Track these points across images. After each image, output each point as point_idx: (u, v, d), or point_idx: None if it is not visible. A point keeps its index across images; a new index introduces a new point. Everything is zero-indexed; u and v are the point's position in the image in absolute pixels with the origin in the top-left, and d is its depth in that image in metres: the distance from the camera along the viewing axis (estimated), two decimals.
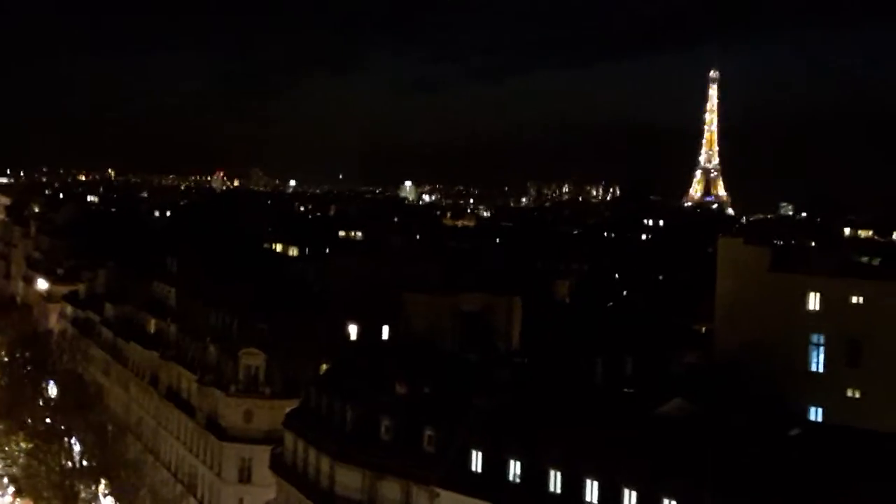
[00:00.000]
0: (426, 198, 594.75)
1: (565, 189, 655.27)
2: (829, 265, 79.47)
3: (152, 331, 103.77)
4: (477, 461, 56.79)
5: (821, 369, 75.47)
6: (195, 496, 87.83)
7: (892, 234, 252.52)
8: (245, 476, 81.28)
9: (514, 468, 55.08)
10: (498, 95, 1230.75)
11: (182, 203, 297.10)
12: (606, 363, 75.47)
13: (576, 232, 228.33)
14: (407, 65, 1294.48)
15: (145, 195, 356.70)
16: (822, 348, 75.52)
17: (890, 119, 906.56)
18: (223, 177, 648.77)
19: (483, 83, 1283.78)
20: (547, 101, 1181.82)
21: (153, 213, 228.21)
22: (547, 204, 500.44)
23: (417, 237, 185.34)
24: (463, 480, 56.73)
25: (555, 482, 53.24)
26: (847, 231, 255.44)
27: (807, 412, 73.11)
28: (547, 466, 53.47)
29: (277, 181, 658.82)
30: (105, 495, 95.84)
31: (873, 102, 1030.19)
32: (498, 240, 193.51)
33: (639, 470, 50.21)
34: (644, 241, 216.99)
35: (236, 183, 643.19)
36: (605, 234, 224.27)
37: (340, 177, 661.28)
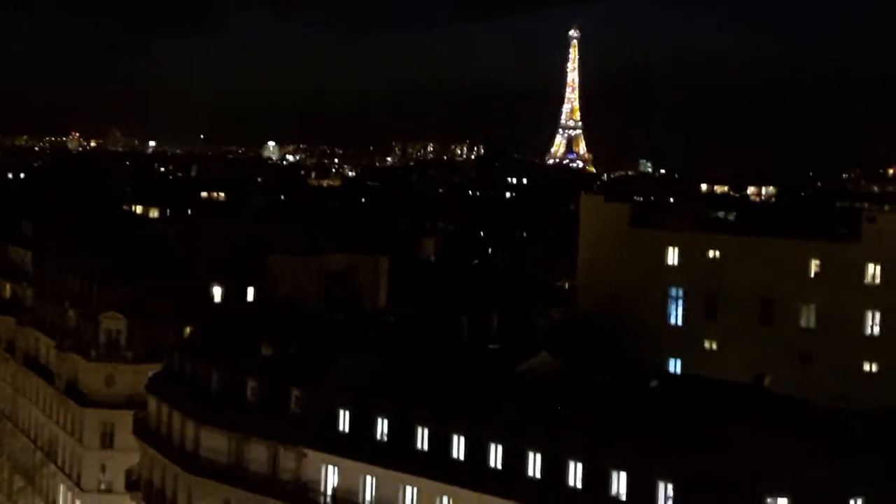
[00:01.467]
0: (290, 158, 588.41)
1: (430, 148, 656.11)
2: (686, 221, 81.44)
3: (8, 296, 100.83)
4: (344, 421, 56.78)
5: (679, 322, 77.54)
6: (56, 463, 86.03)
7: (746, 189, 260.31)
8: (107, 441, 79.93)
9: (382, 426, 55.24)
10: (358, 55, 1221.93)
11: (36, 164, 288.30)
12: (472, 320, 76.14)
13: (441, 191, 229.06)
14: (269, 25, 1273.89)
15: None
16: (680, 302, 77.58)
17: (743, 79, 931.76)
18: (79, 137, 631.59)
19: (344, 43, 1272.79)
20: (409, 61, 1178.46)
21: (6, 175, 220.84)
22: (412, 163, 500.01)
23: (281, 198, 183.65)
24: (330, 440, 56.71)
25: (422, 439, 53.58)
26: (704, 187, 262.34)
27: (666, 364, 75.07)
28: (414, 424, 53.76)
29: (136, 142, 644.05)
30: None
31: (731, 65, 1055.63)
32: (363, 199, 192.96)
33: (505, 425, 50.85)
34: (508, 199, 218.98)
35: (93, 144, 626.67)
36: (470, 192, 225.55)
37: (202, 137, 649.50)
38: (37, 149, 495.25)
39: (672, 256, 77.85)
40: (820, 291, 71.92)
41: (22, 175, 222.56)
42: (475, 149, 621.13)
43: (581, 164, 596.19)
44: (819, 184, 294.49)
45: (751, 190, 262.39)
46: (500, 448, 50.72)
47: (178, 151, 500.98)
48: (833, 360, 69.87)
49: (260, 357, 61.83)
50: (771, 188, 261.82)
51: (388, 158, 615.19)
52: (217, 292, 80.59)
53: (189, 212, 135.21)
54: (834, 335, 70.69)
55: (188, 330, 73.63)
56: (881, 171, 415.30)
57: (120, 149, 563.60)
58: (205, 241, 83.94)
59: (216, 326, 69.53)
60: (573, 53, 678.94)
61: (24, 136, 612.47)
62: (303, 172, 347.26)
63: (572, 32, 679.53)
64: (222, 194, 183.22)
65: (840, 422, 47.58)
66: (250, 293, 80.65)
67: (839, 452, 44.73)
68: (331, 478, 56.83)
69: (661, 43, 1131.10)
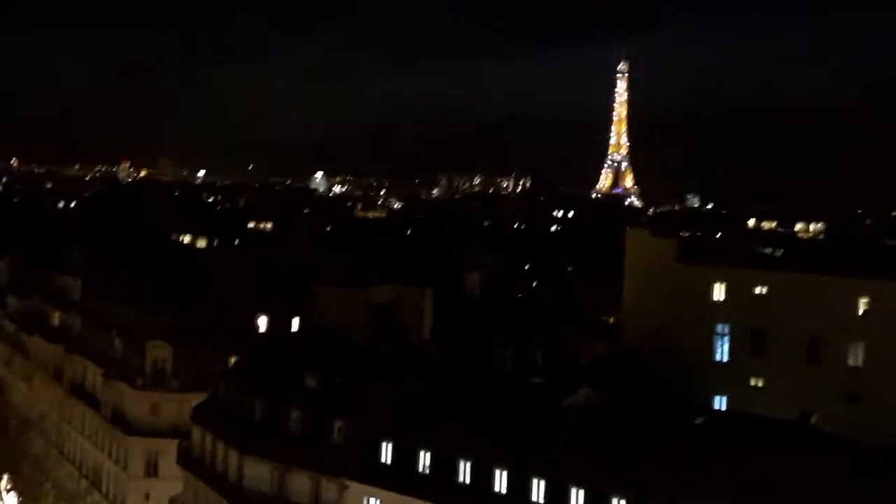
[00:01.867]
0: (337, 189, 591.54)
1: (476, 181, 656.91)
2: (733, 256, 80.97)
3: (56, 324, 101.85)
4: (387, 452, 56.78)
5: (725, 358, 76.91)
6: (100, 491, 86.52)
7: (794, 226, 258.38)
8: (151, 470, 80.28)
9: (424, 459, 55.18)
10: (406, 86, 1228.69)
11: (87, 194, 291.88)
12: (516, 354, 76.00)
13: (486, 223, 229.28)
14: (314, 55, 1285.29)
15: (49, 186, 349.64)
16: (726, 338, 76.94)
17: (788, 116, 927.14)
18: (129, 167, 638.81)
19: (391, 74, 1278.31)
20: (456, 93, 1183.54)
21: (57, 204, 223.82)
22: (458, 196, 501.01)
23: (328, 229, 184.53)
24: (373, 472, 56.72)
25: (464, 472, 53.46)
26: (751, 223, 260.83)
27: (711, 401, 74.46)
28: (457, 457, 53.66)
29: (186, 172, 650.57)
30: (7, 491, 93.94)
31: (780, 97, 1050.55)
32: (409, 231, 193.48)
33: (547, 459, 50.67)
34: (553, 232, 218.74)
35: (143, 173, 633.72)
36: (516, 225, 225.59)
37: (250, 168, 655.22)
38: (88, 178, 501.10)
39: (718, 292, 77.34)
40: (868, 330, 71.13)
41: (73, 204, 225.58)
42: (521, 182, 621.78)
43: (628, 198, 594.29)
44: (868, 221, 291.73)
45: (799, 226, 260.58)
46: (542, 483, 50.49)
47: (226, 182, 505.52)
48: (882, 399, 68.97)
49: (304, 387, 62.01)
50: (819, 224, 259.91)
51: (434, 191, 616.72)
52: (262, 322, 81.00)
53: (236, 242, 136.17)
54: (883, 374, 69.83)
55: (233, 359, 73.99)
56: None
57: (170, 178, 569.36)
58: (251, 271, 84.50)
59: (261, 356, 69.83)
60: (621, 86, 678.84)
61: (76, 166, 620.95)
62: (349, 204, 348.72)
63: (621, 66, 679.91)
64: (269, 225, 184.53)
65: (887, 460, 46.96)
66: (295, 323, 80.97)
67: (885, 490, 44.16)
68: None
69: (708, 73, 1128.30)
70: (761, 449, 47.48)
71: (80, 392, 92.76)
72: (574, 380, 61.51)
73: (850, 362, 71.83)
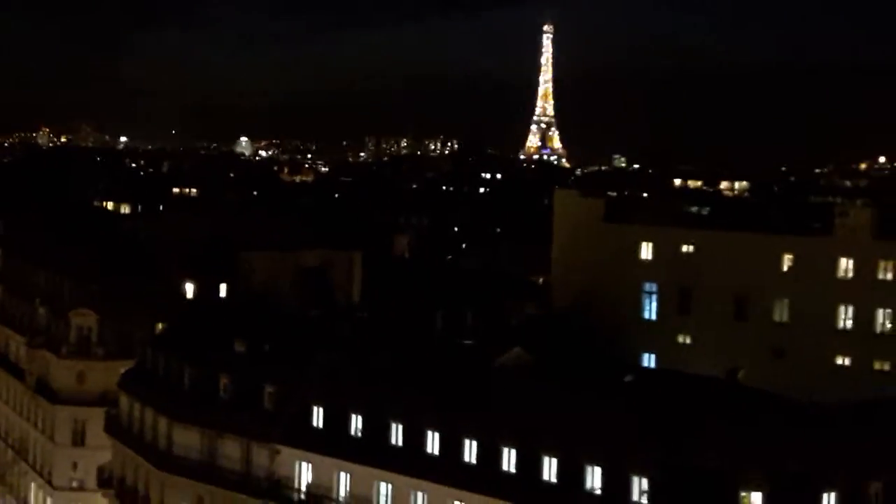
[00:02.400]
0: (263, 153, 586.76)
1: (403, 143, 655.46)
2: (660, 215, 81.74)
3: None
4: (318, 417, 56.71)
5: (653, 317, 77.83)
6: (27, 461, 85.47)
7: (719, 184, 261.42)
8: (78, 439, 79.44)
9: (356, 423, 55.18)
10: (331, 51, 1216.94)
11: (5, 160, 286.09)
12: (446, 316, 76.21)
13: (415, 186, 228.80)
14: (240, 20, 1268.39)
15: None
16: (654, 296, 77.84)
17: (718, 73, 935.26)
18: (49, 133, 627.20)
19: (316, 39, 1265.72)
20: (381, 56, 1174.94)
21: None
22: (385, 158, 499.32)
23: (254, 193, 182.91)
24: (304, 437, 56.64)
25: (396, 435, 53.56)
26: (678, 182, 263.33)
27: (640, 358, 75.35)
28: (388, 419, 53.72)
29: (107, 137, 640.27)
30: None
31: (706, 59, 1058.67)
32: (337, 195, 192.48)
33: (479, 420, 50.92)
34: (482, 194, 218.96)
35: (63, 139, 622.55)
36: (444, 188, 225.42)
37: (174, 132, 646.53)
38: (6, 144, 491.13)
39: (646, 251, 78.10)
40: (793, 286, 72.29)
41: None
42: (449, 144, 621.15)
43: (555, 159, 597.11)
44: (792, 179, 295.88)
45: (724, 185, 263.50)
46: (474, 444, 50.76)
47: (149, 147, 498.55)
48: (806, 354, 70.28)
49: (233, 353, 61.66)
50: (744, 183, 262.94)
51: (362, 154, 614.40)
52: (189, 289, 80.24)
53: (161, 208, 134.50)
54: (807, 329, 71.09)
55: (160, 327, 73.32)
56: (853, 166, 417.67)
57: (90, 144, 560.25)
58: (177, 237, 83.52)
59: (188, 323, 69.34)
60: (547, 47, 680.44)
61: None
62: (276, 168, 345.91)
63: (546, 27, 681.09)
64: (194, 190, 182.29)
65: (813, 415, 47.88)
66: (223, 289, 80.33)
67: (812, 446, 45.03)
68: (304, 474, 56.75)
69: (635, 36, 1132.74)
70: (690, 406, 48.08)
71: (3, 362, 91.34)
72: (505, 341, 61.86)
73: (776, 318, 73.01)
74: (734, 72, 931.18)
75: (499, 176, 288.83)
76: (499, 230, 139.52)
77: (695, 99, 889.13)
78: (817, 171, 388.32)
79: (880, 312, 69.63)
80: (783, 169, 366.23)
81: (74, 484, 79.81)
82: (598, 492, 46.87)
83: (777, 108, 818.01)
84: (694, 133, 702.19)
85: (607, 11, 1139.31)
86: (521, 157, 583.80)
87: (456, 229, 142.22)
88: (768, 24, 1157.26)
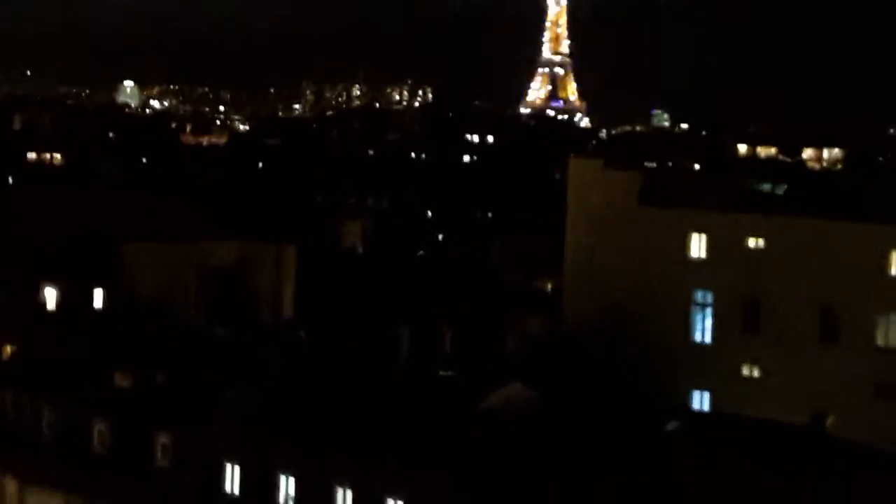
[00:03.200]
0: (156, 104, 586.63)
1: (356, 92, 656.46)
2: (718, 196, 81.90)
3: None
4: (233, 479, 56.75)
5: (707, 339, 77.96)
6: None
7: (801, 153, 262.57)
8: None
9: (286, 487, 55.25)
10: None
11: None
12: (416, 335, 76.17)
13: (371, 153, 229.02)
14: None
15: None
16: (709, 310, 77.97)
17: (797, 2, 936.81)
18: None
19: None
20: None
21: None
22: (330, 113, 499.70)
23: (144, 161, 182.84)
24: None
25: None
26: (743, 149, 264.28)
27: (689, 397, 75.53)
28: (331, 484, 53.78)
29: None
30: None
31: None
32: (261, 164, 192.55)
33: (460, 486, 50.97)
34: (467, 164, 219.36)
35: None
36: (413, 155, 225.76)
37: (27, 74, 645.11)
38: None
39: (698, 246, 78.28)
40: None
41: None
42: (420, 93, 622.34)
43: (570, 116, 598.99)
44: None
45: (808, 154, 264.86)
46: None
47: None
48: None
49: (112, 389, 61.60)
50: (836, 151, 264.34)
51: (297, 106, 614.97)
52: (50, 295, 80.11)
53: (10, 180, 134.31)
54: None
55: (8, 350, 73.20)
56: None
57: None
58: (33, 222, 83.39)
59: (49, 344, 69.15)
60: None
61: None
62: (174, 125, 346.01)
63: None
64: (58, 156, 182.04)
65: None
66: (98, 297, 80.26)
67: None
68: None
69: None
70: (758, 465, 48.28)
71: None
72: (498, 371, 61.93)
73: (880, 341, 73.25)
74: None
75: (490, 139, 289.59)
76: (490, 215, 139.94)
77: (766, 33, 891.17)
78: None
79: None
80: (892, 131, 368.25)
81: None
82: None
83: (880, 46, 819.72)
84: (766, 82, 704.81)
85: None
86: (523, 112, 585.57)
87: (430, 214, 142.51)
88: None
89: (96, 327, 72.55)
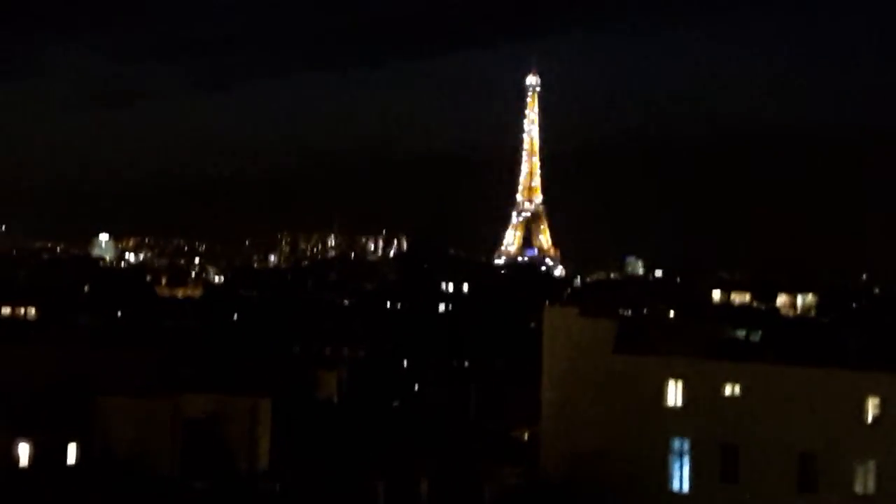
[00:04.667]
0: (130, 257, 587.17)
1: (331, 242, 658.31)
2: (695, 343, 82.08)
3: None
4: None
5: (686, 488, 77.63)
6: None
7: (775, 299, 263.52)
8: None
9: None
10: (226, 111, 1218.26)
11: None
12: (392, 487, 75.71)
13: (347, 302, 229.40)
14: (99, 68, 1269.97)
15: None
16: (686, 458, 77.71)
17: (770, 143, 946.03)
18: None
19: (202, 95, 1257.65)
20: (297, 119, 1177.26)
21: None
22: (305, 263, 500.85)
23: (118, 314, 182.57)
24: None
25: None
26: (717, 295, 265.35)
27: None
28: None
29: None
30: None
31: (754, 122, 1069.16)
32: (236, 315, 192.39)
33: None
34: (442, 313, 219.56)
35: None
36: (388, 304, 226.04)
37: (2, 228, 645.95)
38: None
39: (674, 394, 78.24)
40: (881, 442, 72.45)
41: None
42: (394, 242, 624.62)
43: (544, 264, 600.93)
44: (877, 290, 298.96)
45: (781, 300, 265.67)
46: None
47: None
48: None
49: None
50: (810, 296, 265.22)
51: (272, 256, 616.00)
52: (23, 451, 79.44)
53: None
54: None
55: None
56: None
57: None
58: (6, 377, 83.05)
59: (21, 500, 68.43)
60: (531, 108, 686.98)
61: None
62: (149, 278, 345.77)
63: (530, 79, 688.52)
64: (32, 310, 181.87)
65: None
66: (72, 452, 79.60)
67: None
68: None
69: (653, 93, 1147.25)
70: None
71: None
72: None
73: (858, 489, 72.99)
74: (792, 139, 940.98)
75: (465, 287, 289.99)
76: (467, 364, 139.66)
77: (739, 177, 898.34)
78: None
79: None
80: (863, 277, 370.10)
81: None
82: None
83: (852, 187, 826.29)
84: (738, 228, 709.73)
85: (615, 57, 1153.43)
86: (497, 261, 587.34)
87: (405, 363, 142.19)
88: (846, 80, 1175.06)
89: (70, 482, 71.88)
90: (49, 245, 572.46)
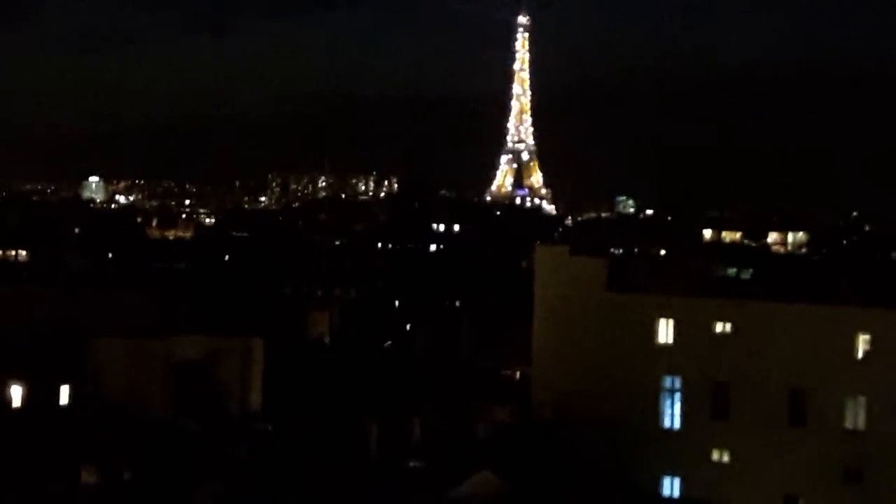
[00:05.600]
0: (121, 199, 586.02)
1: (321, 183, 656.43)
2: (685, 281, 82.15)
3: None
4: None
5: (677, 425, 77.92)
6: None
7: (766, 237, 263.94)
8: None
9: None
10: (217, 54, 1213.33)
11: None
12: (384, 427, 75.89)
13: (338, 243, 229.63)
14: (93, 13, 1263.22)
15: None
16: (677, 395, 77.99)
17: (762, 84, 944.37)
18: None
19: (194, 38, 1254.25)
20: (287, 58, 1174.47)
21: None
22: (296, 204, 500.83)
23: (109, 256, 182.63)
24: None
25: None
26: (708, 234, 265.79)
27: (659, 483, 75.35)
28: None
29: None
30: None
31: (745, 63, 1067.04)
32: (227, 257, 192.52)
33: None
34: (433, 253, 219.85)
35: None
36: (380, 245, 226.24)
37: None
38: None
39: (665, 332, 78.37)
40: (871, 378, 72.71)
41: None
42: (385, 183, 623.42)
43: (536, 203, 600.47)
44: (867, 228, 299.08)
45: (772, 237, 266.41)
46: None
47: None
48: (891, 474, 70.54)
49: (79, 485, 61.08)
50: (801, 234, 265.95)
51: (263, 198, 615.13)
52: (16, 393, 79.57)
53: None
54: (892, 440, 71.42)
55: None
56: None
57: None
58: None
59: (14, 441, 68.63)
60: (522, 47, 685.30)
61: None
62: (140, 220, 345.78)
63: (521, 18, 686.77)
64: (23, 253, 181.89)
65: None
66: (64, 394, 79.73)
67: None
68: None
69: (646, 33, 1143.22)
70: None
71: None
72: (467, 461, 61.68)
73: (848, 424, 73.29)
74: (788, 80, 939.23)
75: (456, 227, 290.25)
76: (458, 304, 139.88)
77: (730, 118, 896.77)
78: None
79: None
80: (854, 214, 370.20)
81: None
82: None
83: (842, 129, 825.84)
84: (730, 166, 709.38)
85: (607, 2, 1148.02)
86: (488, 200, 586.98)
87: (397, 303, 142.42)
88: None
89: (62, 424, 72.05)
90: (39, 187, 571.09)
